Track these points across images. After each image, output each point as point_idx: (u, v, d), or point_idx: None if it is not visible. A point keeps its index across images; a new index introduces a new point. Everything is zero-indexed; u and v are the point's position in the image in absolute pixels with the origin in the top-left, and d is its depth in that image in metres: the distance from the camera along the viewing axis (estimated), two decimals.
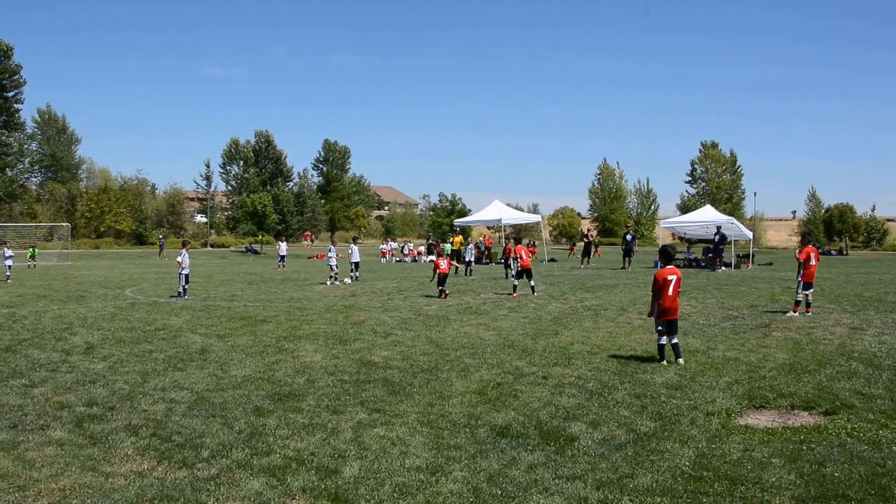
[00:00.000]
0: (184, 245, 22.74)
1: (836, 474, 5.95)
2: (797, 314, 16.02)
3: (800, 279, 16.48)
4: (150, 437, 7.06)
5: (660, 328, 10.75)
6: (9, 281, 28.02)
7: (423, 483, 5.83)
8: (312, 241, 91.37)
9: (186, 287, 21.05)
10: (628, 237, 37.43)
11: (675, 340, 10.76)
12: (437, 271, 21.23)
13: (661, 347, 10.73)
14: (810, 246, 16.93)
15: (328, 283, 26.12)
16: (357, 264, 27.80)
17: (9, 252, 29.88)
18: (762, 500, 5.45)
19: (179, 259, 21.12)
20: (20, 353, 11.64)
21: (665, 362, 10.57)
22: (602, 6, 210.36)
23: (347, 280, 26.80)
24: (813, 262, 16.59)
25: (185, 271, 20.95)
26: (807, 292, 16.37)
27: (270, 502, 5.47)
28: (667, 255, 11.29)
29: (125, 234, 77.73)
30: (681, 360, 10.59)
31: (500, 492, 5.64)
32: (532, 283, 21.36)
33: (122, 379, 9.70)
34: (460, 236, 36.12)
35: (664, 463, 6.28)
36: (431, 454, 6.56)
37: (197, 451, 6.65)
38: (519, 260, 21.45)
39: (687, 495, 5.54)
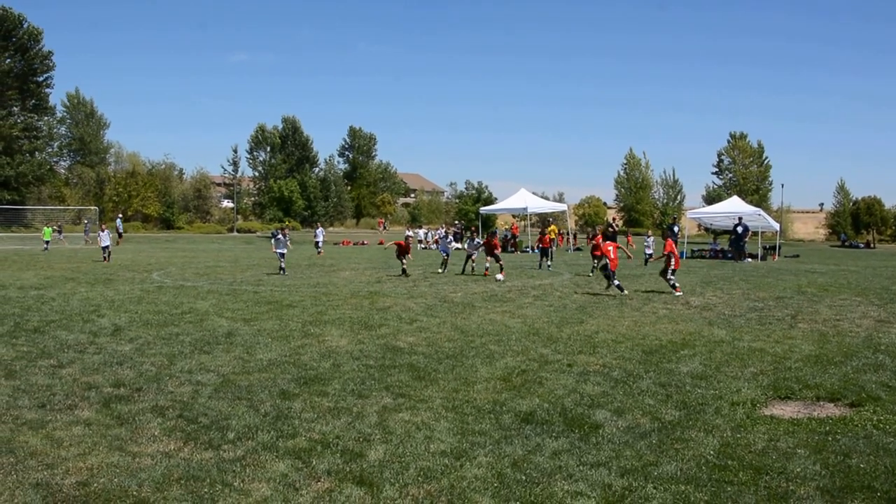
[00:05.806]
0: (282, 230, 27.71)
1: (861, 465, 5.90)
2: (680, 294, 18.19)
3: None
4: (176, 419, 7.14)
5: None
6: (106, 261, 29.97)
7: (448, 467, 5.85)
8: (386, 227, 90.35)
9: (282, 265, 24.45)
10: (675, 228, 36.92)
11: None
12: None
13: None
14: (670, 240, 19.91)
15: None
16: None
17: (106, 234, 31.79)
18: (787, 490, 5.41)
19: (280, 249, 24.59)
20: (48, 334, 11.81)
21: None
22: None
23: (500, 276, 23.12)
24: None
25: (283, 250, 24.48)
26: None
27: (295, 484, 5.51)
28: None
29: (152, 219, 78.40)
30: None
31: (524, 477, 5.65)
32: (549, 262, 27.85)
33: (148, 361, 9.82)
34: (554, 226, 36.83)
35: (689, 451, 6.26)
36: (456, 439, 6.57)
37: (223, 432, 6.71)
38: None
39: (711, 484, 5.52)
